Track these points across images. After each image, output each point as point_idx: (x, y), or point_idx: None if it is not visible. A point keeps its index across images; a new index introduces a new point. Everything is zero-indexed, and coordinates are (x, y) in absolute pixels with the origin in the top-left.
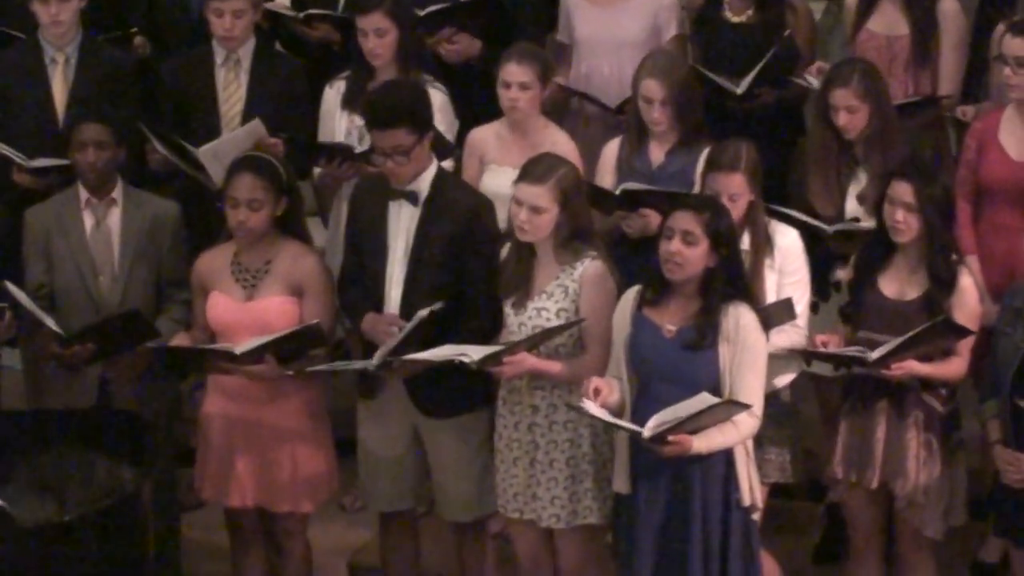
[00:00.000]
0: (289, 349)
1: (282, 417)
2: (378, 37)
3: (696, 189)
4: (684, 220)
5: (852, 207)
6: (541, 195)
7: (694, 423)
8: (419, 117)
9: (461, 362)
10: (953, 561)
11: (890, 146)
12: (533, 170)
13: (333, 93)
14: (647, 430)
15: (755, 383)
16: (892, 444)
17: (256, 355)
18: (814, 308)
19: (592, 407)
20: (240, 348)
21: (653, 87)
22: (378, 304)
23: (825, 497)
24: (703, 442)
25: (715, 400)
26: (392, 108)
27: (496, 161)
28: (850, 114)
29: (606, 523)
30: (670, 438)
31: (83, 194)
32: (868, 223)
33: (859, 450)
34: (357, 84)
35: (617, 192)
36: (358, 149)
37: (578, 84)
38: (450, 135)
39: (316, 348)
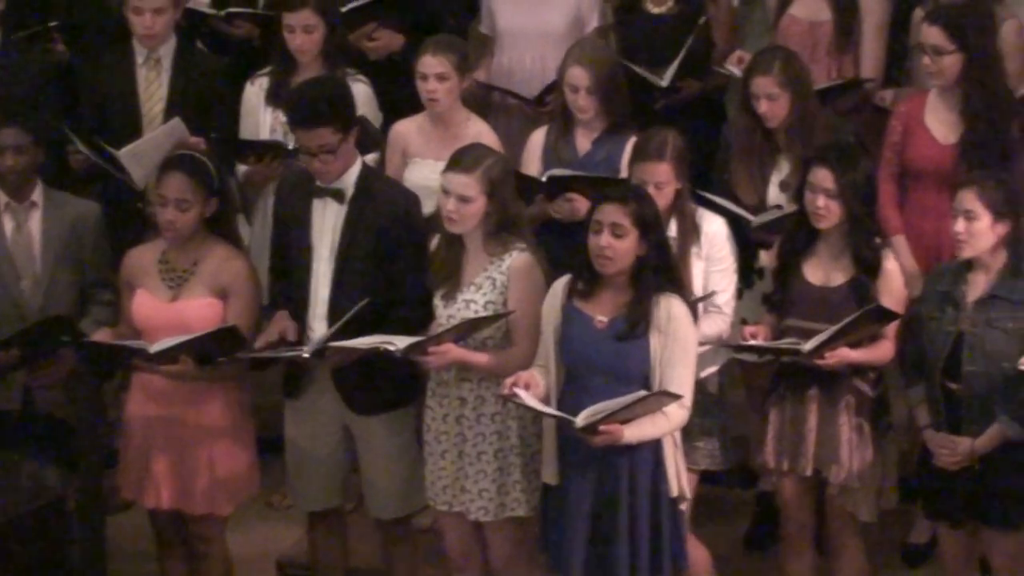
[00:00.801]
0: (206, 351)
1: (202, 418)
2: (306, 33)
3: (623, 176)
4: (611, 213)
5: (774, 195)
6: (469, 184)
7: (626, 413)
8: (343, 115)
9: (387, 350)
10: (883, 544)
11: (811, 133)
12: (461, 159)
13: (255, 90)
14: (580, 419)
15: (685, 374)
16: (824, 431)
17: (171, 355)
18: (738, 294)
19: (525, 396)
20: (155, 347)
21: (579, 75)
22: (305, 303)
23: (755, 484)
24: (634, 432)
25: (646, 392)
26: (315, 107)
27: (419, 154)
28: (771, 102)
29: (535, 515)
30: (601, 428)
31: (2, 198)
32: (790, 210)
33: (791, 438)
34: (280, 80)
35: (544, 179)
36: (290, 146)
37: (500, 75)
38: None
39: (235, 351)
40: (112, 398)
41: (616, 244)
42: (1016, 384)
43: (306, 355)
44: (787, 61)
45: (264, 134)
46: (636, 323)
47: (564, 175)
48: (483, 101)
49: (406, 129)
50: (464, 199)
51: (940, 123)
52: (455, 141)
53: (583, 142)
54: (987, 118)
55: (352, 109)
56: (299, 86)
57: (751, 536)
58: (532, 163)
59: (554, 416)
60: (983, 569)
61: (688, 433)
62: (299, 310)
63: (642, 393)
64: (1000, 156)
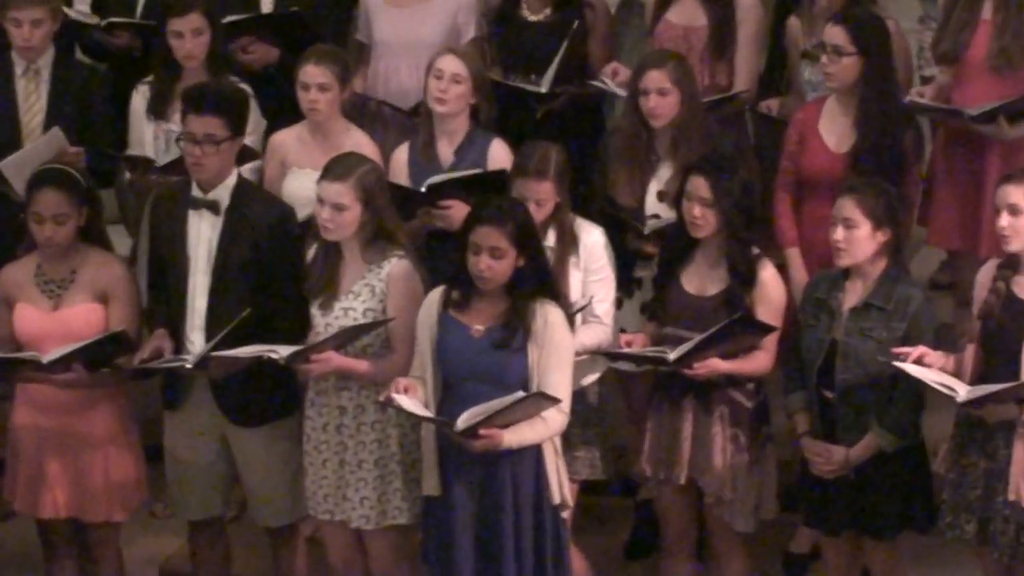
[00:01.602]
0: (97, 356)
1: (93, 425)
2: (195, 37)
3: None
4: (489, 236)
5: (652, 203)
6: (343, 192)
7: (504, 417)
8: (237, 116)
9: (270, 358)
10: (765, 553)
11: (692, 142)
12: (334, 168)
13: (139, 98)
14: (460, 422)
15: (562, 380)
16: (699, 440)
17: (63, 363)
18: (618, 304)
19: (405, 401)
20: (47, 357)
21: (448, 62)
22: (182, 314)
23: (636, 493)
24: (513, 436)
25: (524, 393)
26: (215, 97)
27: (297, 163)
28: (661, 97)
29: (416, 523)
30: (481, 431)
31: None
32: (670, 219)
33: (667, 447)
34: (163, 88)
35: (423, 189)
36: (161, 162)
37: (376, 84)
38: (255, 135)
39: (124, 354)
40: None
41: (495, 265)
42: (888, 394)
43: (189, 365)
44: (680, 61)
45: (148, 142)
46: (513, 331)
47: (441, 180)
48: (358, 110)
49: (285, 138)
50: (338, 207)
51: (833, 131)
52: (334, 151)
53: (445, 152)
54: (881, 126)
55: (245, 116)
56: (206, 81)
57: (632, 545)
58: (399, 179)
59: (433, 421)
60: None
61: (568, 443)
62: (176, 321)
63: (520, 394)
64: (894, 165)
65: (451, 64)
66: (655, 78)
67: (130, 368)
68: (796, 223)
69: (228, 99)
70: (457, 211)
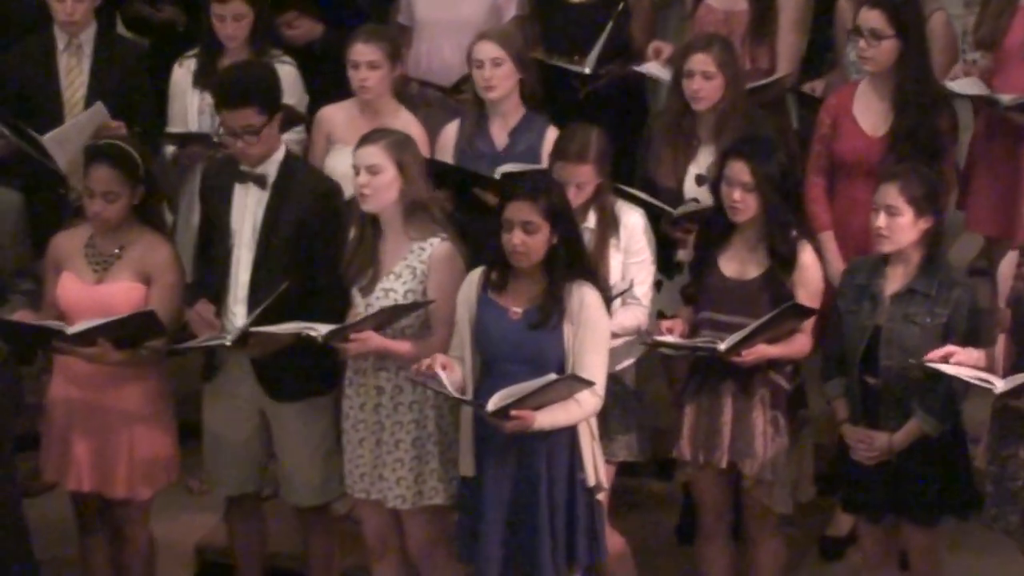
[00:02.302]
0: (124, 335)
1: (122, 402)
2: (236, 21)
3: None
4: (521, 210)
5: (691, 187)
6: (375, 153)
7: (537, 399)
8: (268, 97)
9: (308, 335)
10: (801, 537)
11: (735, 126)
12: (368, 135)
13: (183, 72)
14: (491, 404)
15: (598, 362)
16: (739, 423)
17: (88, 338)
18: (658, 286)
19: (444, 376)
20: (72, 328)
21: (486, 48)
22: (225, 286)
23: (675, 476)
24: (546, 418)
25: (556, 376)
26: (241, 87)
27: (342, 140)
28: (705, 80)
29: (452, 504)
30: (512, 413)
31: None
32: (707, 205)
33: (706, 430)
34: (207, 62)
35: (498, 175)
36: (216, 138)
37: (418, 66)
38: (300, 108)
39: (153, 337)
40: (33, 382)
41: (529, 240)
42: (931, 379)
43: (227, 343)
44: (725, 45)
45: (192, 116)
46: (549, 312)
47: (519, 170)
48: (400, 93)
49: (333, 114)
50: (372, 169)
51: (869, 114)
52: None
53: (500, 135)
54: (917, 109)
55: (278, 93)
56: (227, 68)
57: (682, 528)
58: (444, 156)
59: (464, 401)
60: (903, 564)
61: (606, 427)
62: (220, 293)
63: (552, 377)
64: (929, 149)
65: (487, 50)
66: (700, 61)
67: (167, 346)
68: (829, 207)
69: (255, 84)
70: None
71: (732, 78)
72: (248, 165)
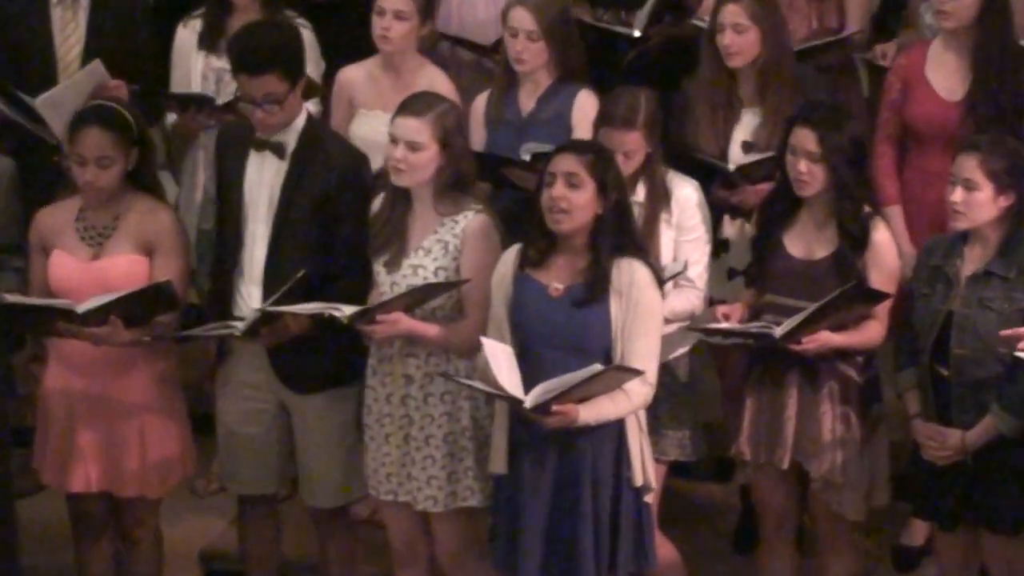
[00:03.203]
0: (137, 310)
1: (130, 391)
2: None
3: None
4: (566, 162)
5: (736, 154)
6: (420, 129)
7: (580, 392)
8: (293, 62)
9: (332, 316)
10: (873, 547)
11: (782, 88)
12: (412, 104)
13: (187, 33)
14: (529, 399)
15: (649, 346)
16: (804, 419)
17: (100, 316)
18: None
19: (494, 363)
20: (82, 307)
21: (521, 17)
22: (239, 265)
23: (733, 477)
24: (591, 411)
25: (601, 367)
26: (263, 52)
27: (366, 104)
28: (737, 35)
29: (489, 505)
30: (554, 408)
31: None
32: (769, 154)
33: (768, 427)
34: (214, 22)
35: (526, 157)
36: (219, 101)
37: (450, 26)
38: (315, 76)
39: (167, 311)
40: (21, 371)
41: (571, 196)
42: (1010, 372)
43: (238, 334)
44: None
45: (196, 81)
46: (595, 288)
47: (539, 151)
48: (430, 55)
49: (353, 76)
50: (413, 146)
51: (944, 77)
52: (407, 90)
53: (526, 100)
54: (999, 69)
55: (302, 58)
56: (247, 28)
57: (740, 536)
58: (475, 131)
59: (500, 396)
60: None
61: (656, 421)
62: (233, 272)
63: (597, 368)
64: (1012, 116)
65: (523, 19)
66: (731, 12)
67: (172, 334)
68: (898, 180)
69: (279, 48)
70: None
71: (770, 32)
72: (266, 134)
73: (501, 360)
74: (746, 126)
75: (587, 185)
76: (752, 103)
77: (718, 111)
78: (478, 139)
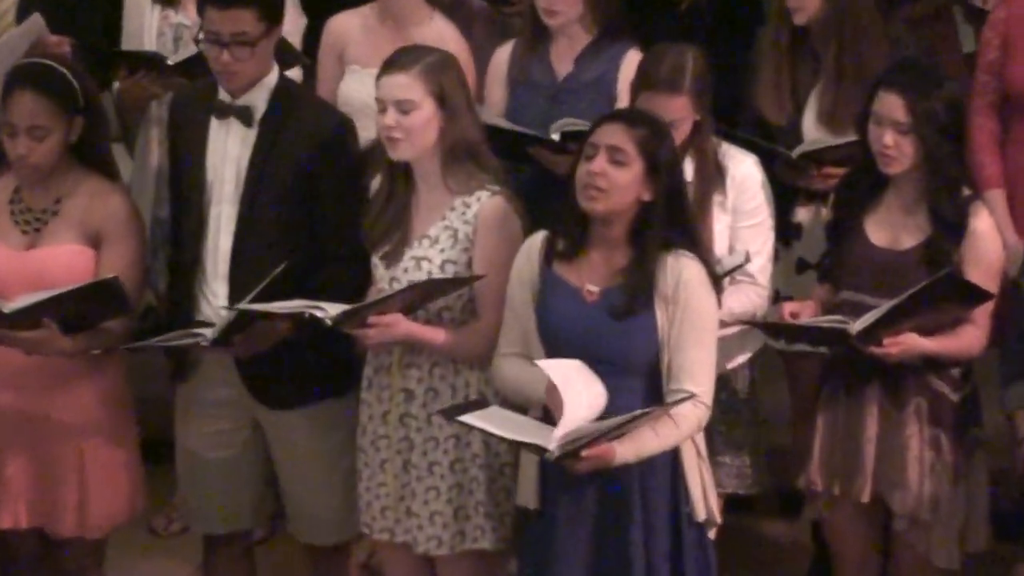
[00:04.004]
0: (78, 312)
1: (68, 410)
2: None
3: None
4: (612, 134)
5: (809, 125)
6: (409, 85)
7: (617, 432)
8: (272, 3)
9: (313, 317)
10: None
11: (866, 46)
12: (396, 58)
13: None
14: (554, 445)
15: (701, 359)
16: (887, 444)
17: (31, 317)
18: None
19: (474, 420)
20: (10, 305)
21: None
22: (200, 257)
23: (802, 513)
24: (630, 448)
25: (644, 410)
26: None
27: (360, 60)
28: None
29: (502, 548)
30: (584, 454)
31: None
32: (843, 140)
33: (843, 452)
34: None
35: (555, 136)
36: (172, 59)
37: None
38: (295, 37)
39: (117, 314)
40: None
41: (613, 173)
42: None
43: (206, 344)
44: None
45: (150, 39)
46: (638, 292)
47: (575, 130)
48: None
49: (346, 26)
50: (403, 105)
51: None
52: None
53: (562, 61)
54: None
55: (283, 3)
56: None
57: None
58: (494, 88)
59: (519, 443)
60: None
61: (711, 448)
62: (192, 266)
63: (636, 413)
64: None
65: None
66: None
67: (121, 344)
68: (1000, 157)
69: None
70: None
71: None
72: (230, 93)
73: (575, 383)
74: (824, 93)
75: (634, 164)
76: (832, 65)
77: (785, 74)
78: (497, 100)
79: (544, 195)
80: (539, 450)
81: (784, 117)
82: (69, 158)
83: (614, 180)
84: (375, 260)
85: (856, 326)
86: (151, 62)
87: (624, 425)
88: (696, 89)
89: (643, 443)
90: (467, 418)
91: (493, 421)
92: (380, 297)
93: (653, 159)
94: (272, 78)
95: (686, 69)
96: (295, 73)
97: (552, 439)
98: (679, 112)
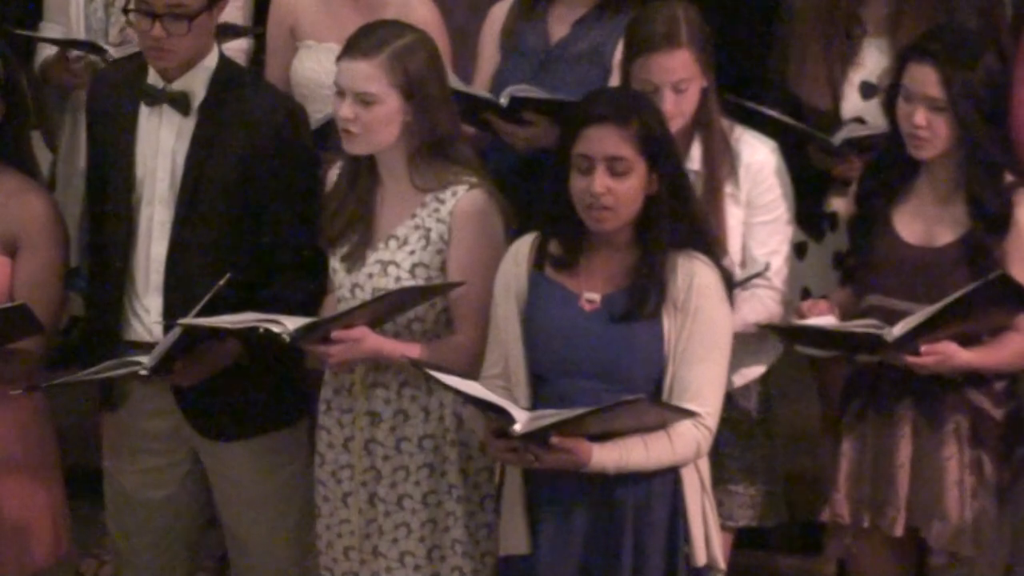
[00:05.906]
0: None
1: None
2: None
3: (614, 81)
4: (606, 142)
5: (853, 102)
6: (371, 76)
7: (597, 423)
8: None
9: (268, 332)
10: None
11: (922, 11)
12: (358, 41)
13: None
14: (520, 423)
15: (711, 377)
16: (923, 468)
17: None
18: (800, 251)
19: (446, 377)
20: None
21: None
22: (129, 268)
23: (824, 548)
24: (610, 453)
25: (632, 397)
26: None
27: (315, 35)
28: None
29: None
30: (553, 441)
31: None
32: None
33: (873, 479)
34: None
35: (502, 100)
36: (107, 45)
37: None
38: (244, 8)
39: (23, 336)
40: None
41: (617, 187)
42: None
43: (144, 372)
44: None
45: (76, 14)
46: (645, 295)
47: (524, 95)
48: None
49: None
50: (364, 99)
51: None
52: (371, 17)
53: (558, 25)
54: None
55: None
56: None
57: None
58: (487, 50)
59: (484, 406)
60: None
61: (719, 472)
62: (120, 277)
63: (621, 399)
64: None
65: None
66: None
67: (35, 382)
68: None
69: None
70: (537, 133)
71: None
72: (163, 75)
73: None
74: (870, 65)
75: (637, 167)
76: (879, 32)
77: (828, 44)
78: (488, 57)
79: (530, 179)
80: (508, 418)
81: (827, 99)
82: None
83: (621, 194)
84: (334, 264)
85: (894, 331)
86: (80, 46)
87: (604, 412)
88: (697, 42)
89: (627, 452)
90: (438, 374)
91: (466, 386)
92: (345, 309)
93: (651, 148)
94: (212, 59)
95: (680, 20)
96: (240, 44)
97: (521, 416)
98: (683, 70)
